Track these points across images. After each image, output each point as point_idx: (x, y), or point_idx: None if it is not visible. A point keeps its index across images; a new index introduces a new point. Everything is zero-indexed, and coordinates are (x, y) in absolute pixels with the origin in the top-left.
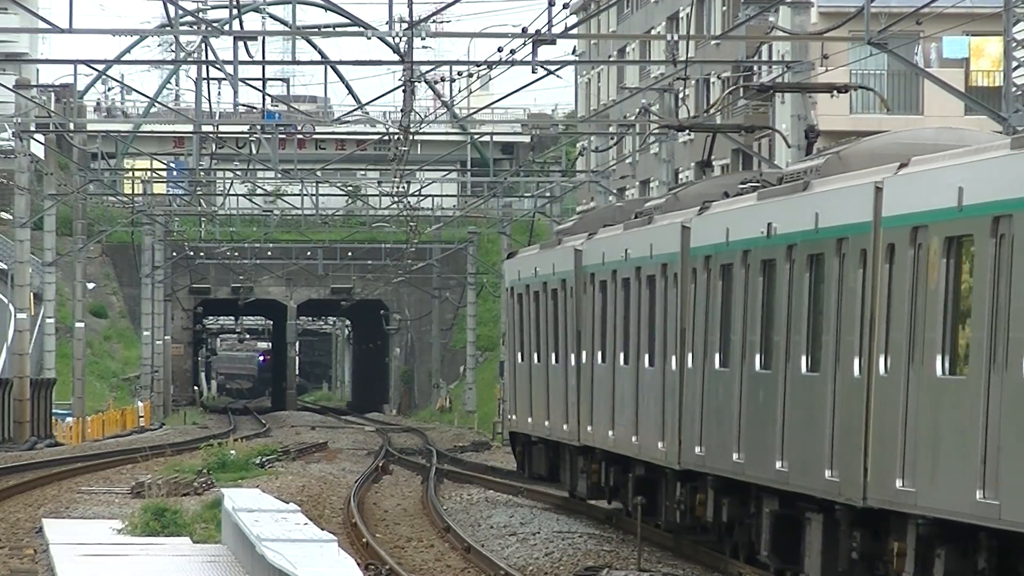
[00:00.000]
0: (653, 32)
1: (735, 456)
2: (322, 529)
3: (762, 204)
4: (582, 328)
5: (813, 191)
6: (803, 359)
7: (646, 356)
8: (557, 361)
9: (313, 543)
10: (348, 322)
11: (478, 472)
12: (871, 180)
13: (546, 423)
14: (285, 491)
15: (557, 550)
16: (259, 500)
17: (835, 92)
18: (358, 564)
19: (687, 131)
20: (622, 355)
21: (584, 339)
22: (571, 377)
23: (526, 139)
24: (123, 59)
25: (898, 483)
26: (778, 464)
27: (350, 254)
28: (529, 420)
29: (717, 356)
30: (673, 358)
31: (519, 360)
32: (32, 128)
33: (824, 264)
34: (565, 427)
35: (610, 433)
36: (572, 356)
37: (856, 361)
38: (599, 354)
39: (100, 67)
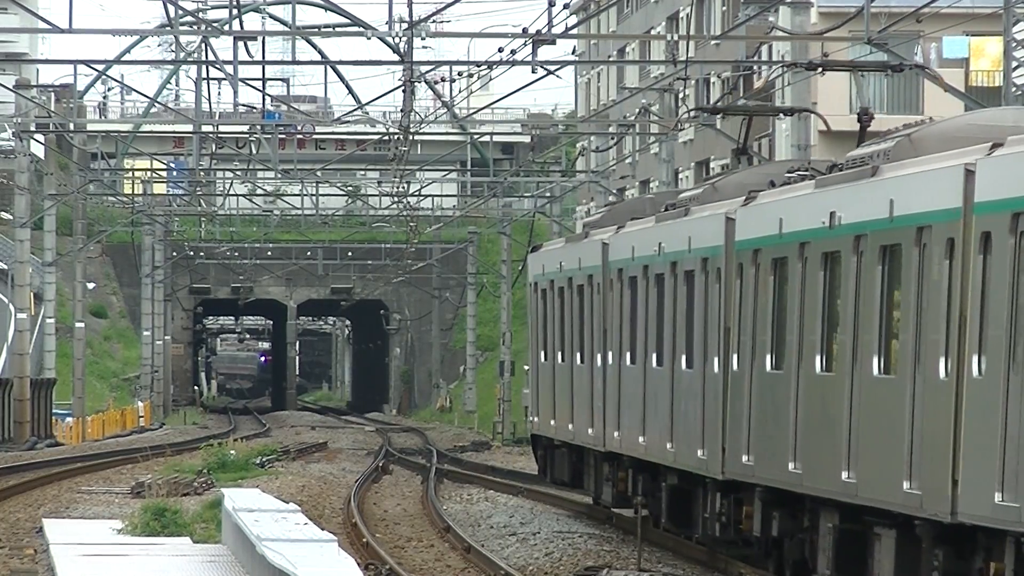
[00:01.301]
0: (653, 32)
1: (791, 466)
2: (322, 529)
3: (822, 192)
4: (609, 327)
5: (884, 176)
6: (874, 360)
7: (683, 357)
8: (582, 361)
9: (313, 543)
10: (348, 322)
11: (478, 472)
12: (959, 162)
13: (570, 426)
14: (285, 491)
15: (557, 550)
16: (259, 500)
17: (889, 71)
18: (358, 564)
19: (722, 114)
20: (655, 356)
21: (611, 338)
22: (596, 379)
23: (526, 139)
24: (123, 59)
25: (997, 497)
26: (844, 475)
27: (350, 254)
28: (552, 423)
29: (769, 357)
30: (716, 359)
31: (542, 359)
32: (32, 128)
33: (900, 256)
34: (590, 431)
35: (640, 439)
36: (598, 356)
37: (942, 362)
38: (628, 355)
39: (100, 67)
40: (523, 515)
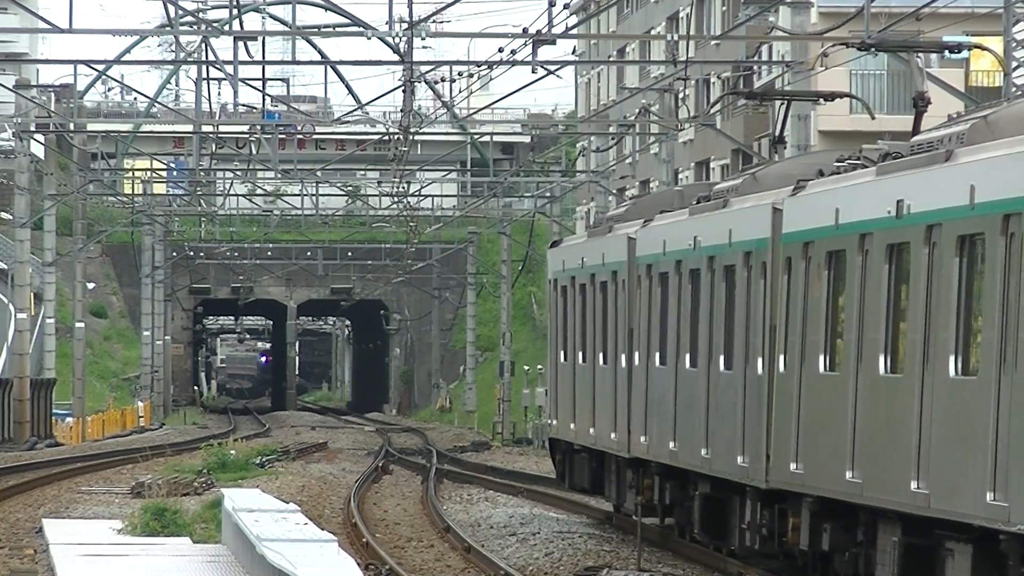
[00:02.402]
0: (653, 32)
1: (848, 475)
2: (322, 529)
3: (886, 180)
4: (635, 326)
5: (962, 161)
6: (950, 361)
7: (720, 358)
8: (605, 362)
9: (313, 543)
10: (348, 322)
11: (478, 472)
12: None
13: (591, 430)
14: (285, 491)
15: (557, 550)
16: (259, 500)
17: (947, 52)
18: (358, 564)
19: (758, 99)
20: (688, 357)
21: (638, 338)
22: (621, 380)
23: (526, 139)
24: (123, 59)
25: None
26: (912, 485)
27: (350, 254)
28: (572, 426)
29: (821, 358)
30: (759, 360)
31: (562, 360)
32: (32, 128)
33: (982, 246)
34: (613, 436)
35: (671, 444)
36: (623, 357)
37: None
38: (657, 355)
39: (100, 67)
40: (523, 515)
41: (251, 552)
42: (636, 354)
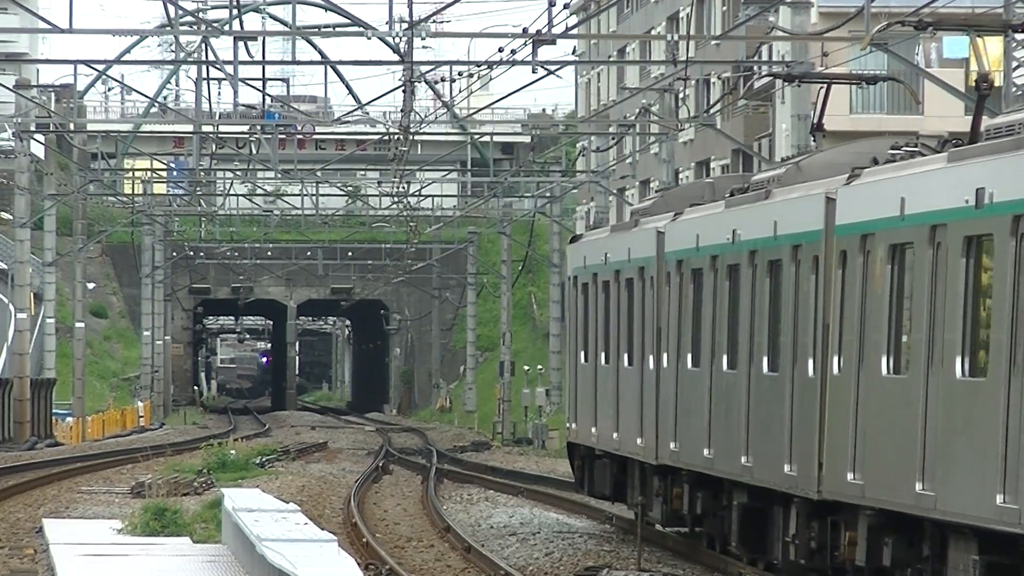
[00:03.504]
0: (653, 32)
1: (917, 486)
2: (322, 529)
3: (961, 166)
4: (664, 325)
5: None
6: None
7: (764, 359)
8: (630, 363)
9: (313, 543)
10: (348, 322)
11: (478, 472)
12: None
13: (614, 435)
14: (285, 491)
15: (557, 550)
16: (259, 500)
17: (1010, 31)
18: (358, 564)
19: (797, 81)
20: (725, 358)
21: (667, 338)
22: (648, 383)
23: (526, 139)
24: (123, 59)
25: None
26: (998, 499)
27: (350, 254)
28: (592, 431)
29: (885, 359)
30: (810, 361)
31: (582, 360)
32: (32, 128)
33: None
34: (639, 441)
35: (705, 451)
36: (650, 358)
37: None
38: (689, 356)
39: (100, 67)
40: (523, 515)
41: (251, 552)
42: (665, 355)
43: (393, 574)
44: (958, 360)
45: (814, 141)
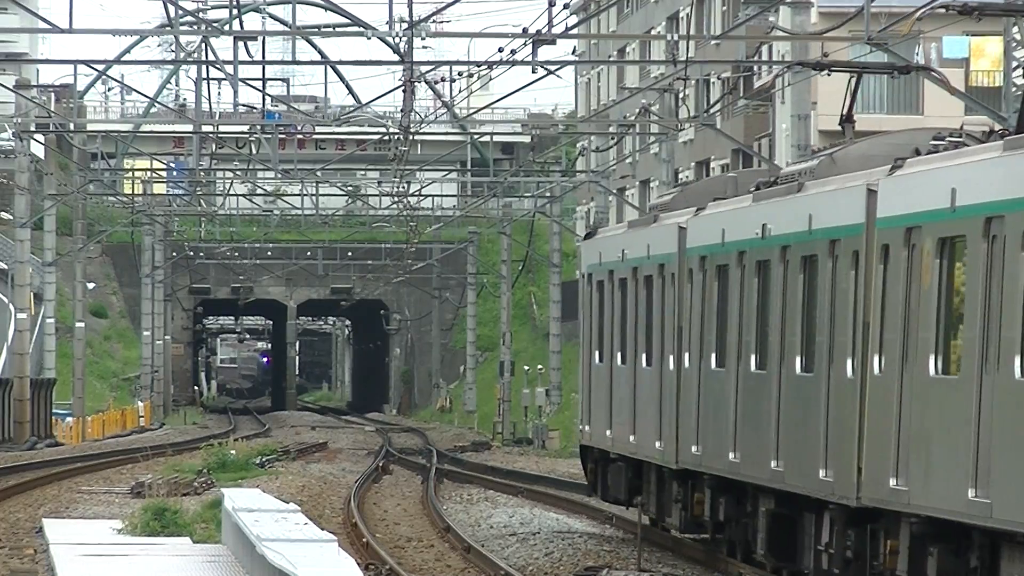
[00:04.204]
0: (653, 32)
1: (971, 493)
2: (322, 529)
3: (1019, 155)
4: (685, 324)
5: None
6: None
7: (796, 359)
8: (648, 364)
9: (313, 543)
10: (348, 322)
11: (478, 472)
12: None
13: (631, 438)
14: (285, 491)
15: (557, 550)
16: (259, 500)
17: None
18: (358, 564)
19: (826, 71)
20: (753, 358)
21: (688, 337)
22: (668, 384)
23: (526, 139)
24: (123, 59)
25: None
26: None
27: (350, 254)
28: (608, 433)
29: (933, 359)
30: (848, 361)
31: (596, 361)
32: (32, 128)
33: None
34: (658, 444)
35: (730, 455)
36: (670, 358)
37: None
38: (713, 356)
39: (100, 67)
40: (523, 515)
41: (251, 552)
42: (687, 355)
43: (393, 574)
44: (1017, 360)
45: (844, 132)
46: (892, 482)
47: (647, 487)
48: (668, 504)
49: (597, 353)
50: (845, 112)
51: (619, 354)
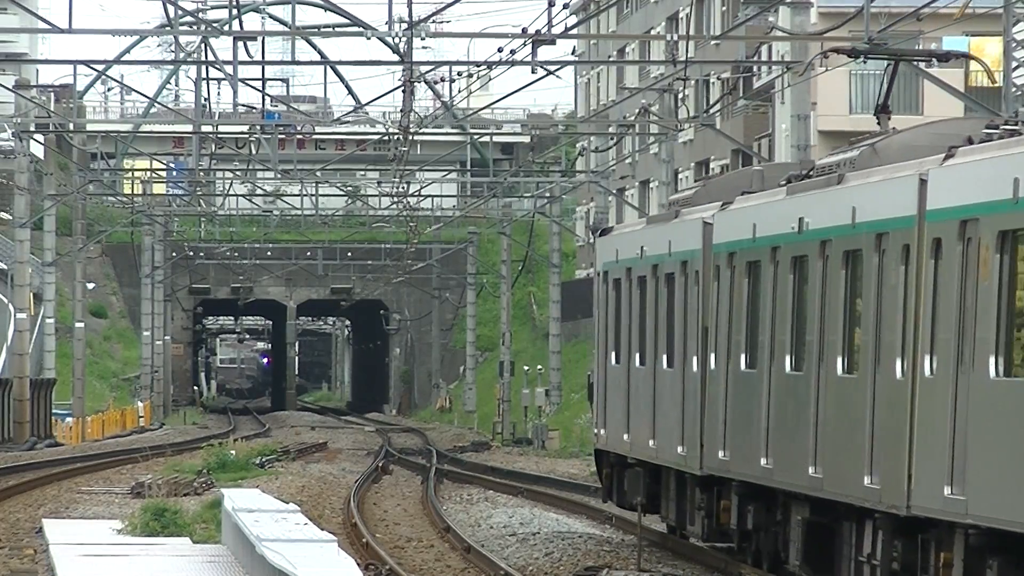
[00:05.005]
0: (653, 32)
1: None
2: (322, 529)
3: None
4: (711, 323)
5: None
6: None
7: (837, 360)
8: (670, 365)
9: (313, 543)
10: (348, 322)
11: (478, 472)
12: None
13: (650, 442)
14: (285, 491)
15: (557, 550)
16: (259, 500)
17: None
18: (358, 564)
19: (862, 57)
20: (788, 359)
21: (715, 337)
22: (691, 386)
23: (526, 139)
24: (123, 59)
25: None
26: None
27: (350, 254)
28: (625, 437)
29: (993, 360)
30: (898, 362)
31: (612, 362)
32: (32, 128)
33: None
34: (680, 450)
35: (762, 461)
36: (694, 359)
37: None
38: (742, 357)
39: (100, 67)
40: (523, 515)
41: (251, 552)
42: (713, 355)
43: (393, 574)
44: None
45: (879, 123)
46: (947, 491)
47: (666, 493)
48: (690, 511)
49: (613, 354)
50: (881, 102)
51: (638, 355)
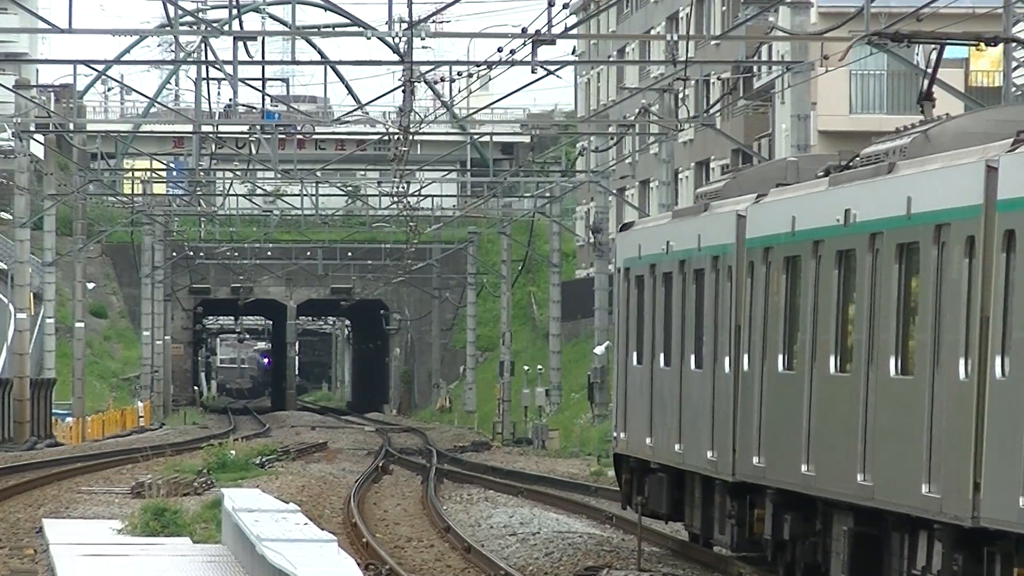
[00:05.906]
0: (653, 32)
1: None
2: (322, 529)
3: None
4: (745, 322)
5: None
6: None
7: (890, 360)
8: (699, 366)
9: (313, 543)
10: (348, 322)
11: (478, 472)
12: None
13: (676, 447)
14: (285, 491)
15: (557, 550)
16: (259, 500)
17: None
18: (358, 564)
19: (904, 41)
20: (832, 359)
21: (749, 336)
22: (723, 388)
23: (526, 139)
24: (123, 59)
25: None
26: None
27: (350, 254)
28: (648, 441)
29: None
30: (962, 362)
31: (634, 362)
32: (32, 128)
33: None
34: (710, 455)
35: (803, 468)
36: (725, 360)
37: None
38: (780, 357)
39: (100, 67)
40: (523, 515)
41: (251, 552)
42: (746, 356)
43: (393, 574)
44: None
45: (922, 110)
46: (1022, 501)
47: (690, 500)
48: (719, 519)
49: (635, 354)
50: (926, 89)
51: (662, 355)
